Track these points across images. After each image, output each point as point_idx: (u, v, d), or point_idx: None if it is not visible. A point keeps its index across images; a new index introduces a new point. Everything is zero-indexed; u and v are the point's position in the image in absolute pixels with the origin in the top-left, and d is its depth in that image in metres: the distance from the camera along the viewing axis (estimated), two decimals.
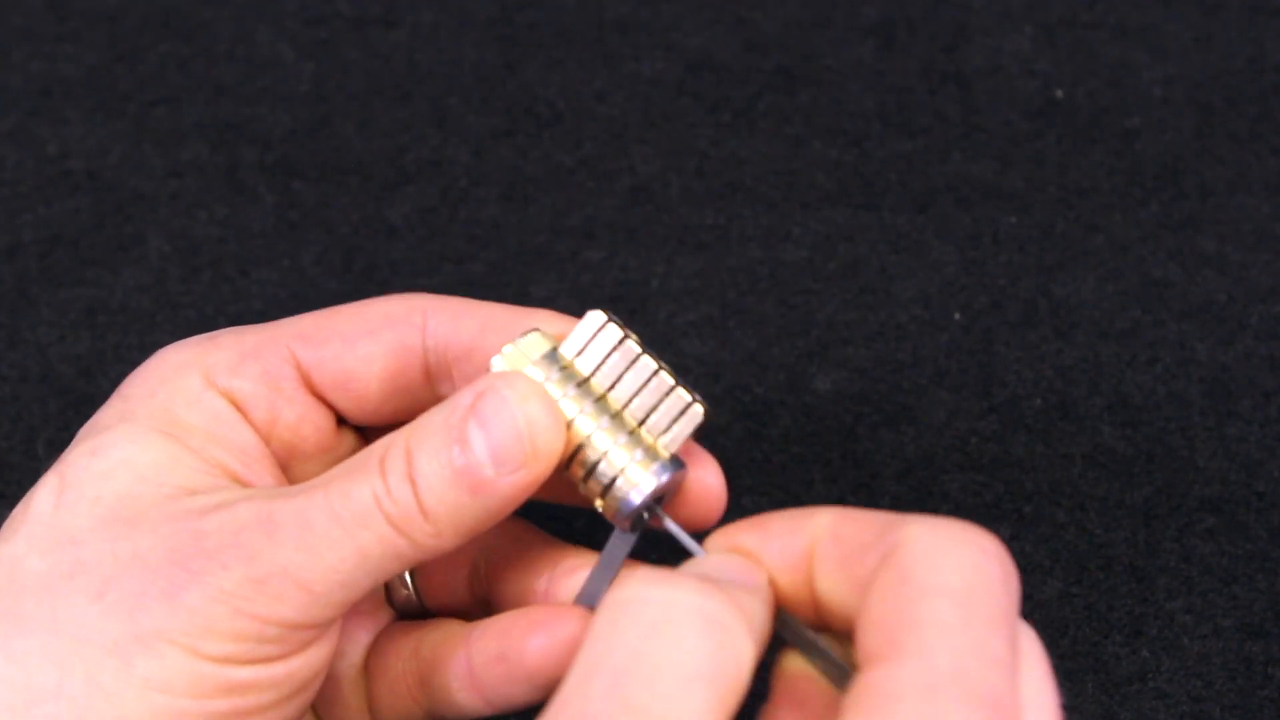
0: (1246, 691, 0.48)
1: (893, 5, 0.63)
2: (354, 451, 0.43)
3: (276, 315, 0.43)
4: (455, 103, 0.60)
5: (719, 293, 0.56)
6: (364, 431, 0.44)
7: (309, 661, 0.38)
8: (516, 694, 0.40)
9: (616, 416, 0.39)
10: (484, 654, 0.40)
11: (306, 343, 0.41)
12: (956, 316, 0.55)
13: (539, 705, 0.40)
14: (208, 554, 0.36)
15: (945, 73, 0.61)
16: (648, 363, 0.39)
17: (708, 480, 0.40)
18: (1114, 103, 0.60)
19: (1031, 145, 0.59)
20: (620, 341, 0.40)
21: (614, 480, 0.39)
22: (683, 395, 0.39)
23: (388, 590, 0.44)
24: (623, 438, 0.39)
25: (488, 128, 0.60)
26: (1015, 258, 0.57)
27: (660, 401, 0.39)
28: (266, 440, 0.41)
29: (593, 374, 0.39)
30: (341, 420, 0.43)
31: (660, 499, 0.39)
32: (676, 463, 0.39)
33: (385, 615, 0.44)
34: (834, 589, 0.35)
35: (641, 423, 0.39)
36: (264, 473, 0.41)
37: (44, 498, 0.38)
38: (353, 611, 0.41)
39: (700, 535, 0.39)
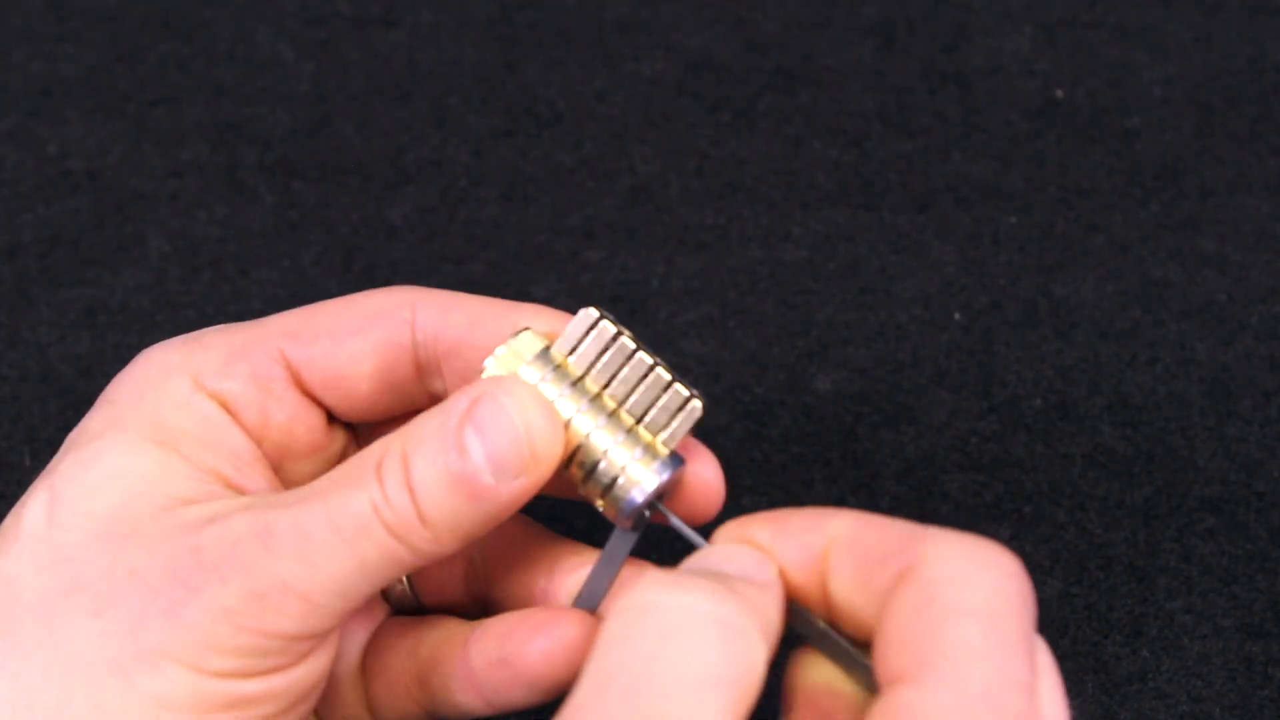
0: (1246, 691, 0.48)
1: (893, 5, 0.63)
2: (345, 449, 0.43)
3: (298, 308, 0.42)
4: (455, 103, 0.60)
5: (719, 293, 0.56)
6: (354, 428, 0.43)
7: (311, 670, 0.38)
8: (517, 696, 0.40)
9: (614, 414, 0.39)
10: (484, 656, 0.40)
11: (295, 341, 0.41)
12: (956, 316, 0.55)
13: (540, 705, 0.40)
14: (206, 569, 0.36)
15: (945, 73, 0.61)
16: (643, 358, 0.39)
17: (706, 474, 0.40)
18: (1114, 103, 0.60)
19: (1031, 145, 0.59)
20: (614, 338, 0.39)
21: (615, 479, 0.39)
22: (680, 390, 0.39)
23: None
24: (621, 436, 0.39)
25: (488, 128, 0.60)
26: (1015, 258, 0.57)
27: (658, 397, 0.39)
28: (258, 442, 0.41)
29: (587, 372, 0.39)
30: (331, 418, 0.42)
31: (661, 495, 0.39)
32: (676, 459, 0.39)
33: (381, 612, 0.44)
34: (849, 593, 0.35)
35: (639, 420, 0.39)
36: (257, 476, 0.40)
37: (35, 512, 0.38)
38: None
39: (700, 529, 0.39)
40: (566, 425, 0.39)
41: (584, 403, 0.39)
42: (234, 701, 0.36)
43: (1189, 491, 0.52)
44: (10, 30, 0.62)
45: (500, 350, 0.39)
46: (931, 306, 0.55)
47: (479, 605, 0.43)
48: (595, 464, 0.39)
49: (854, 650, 0.36)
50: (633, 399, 0.39)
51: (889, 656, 0.33)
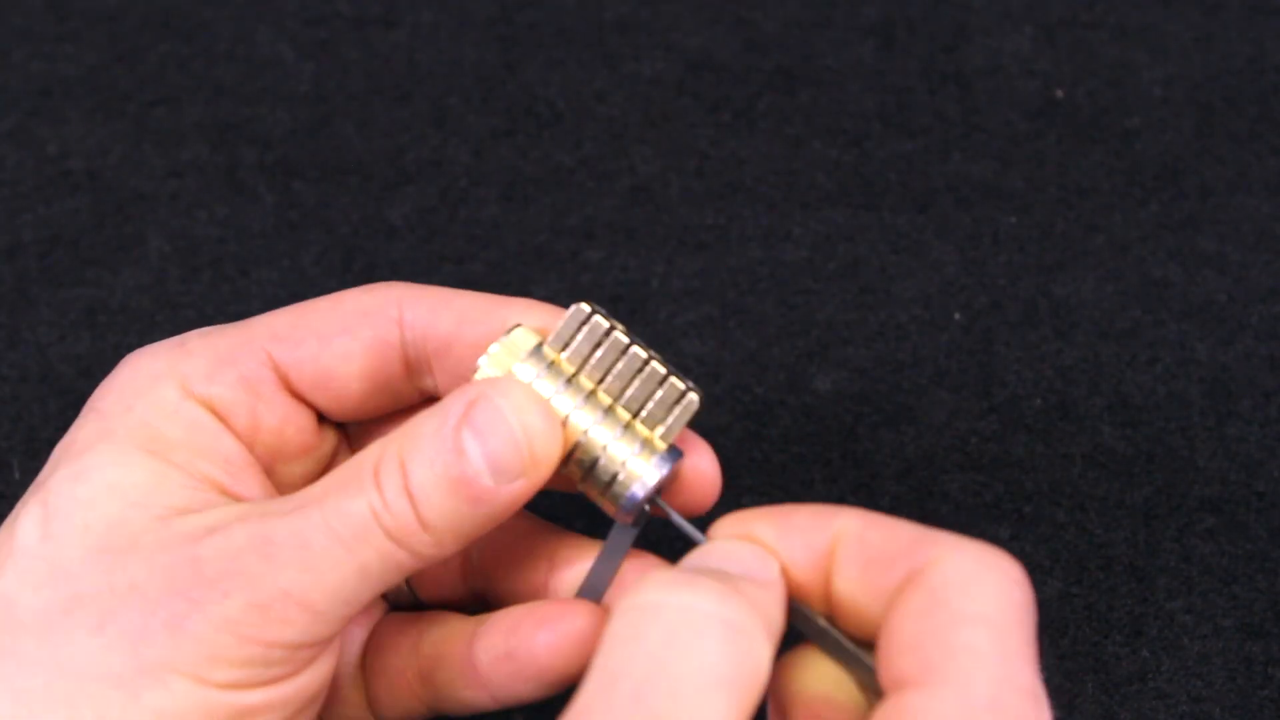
0: (1246, 691, 0.48)
1: (893, 5, 0.63)
2: (336, 449, 0.43)
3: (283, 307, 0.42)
4: (455, 103, 0.60)
5: (719, 293, 0.56)
6: (344, 428, 0.43)
7: (315, 676, 0.38)
8: (524, 690, 0.40)
9: (610, 410, 0.39)
10: (490, 651, 0.40)
11: (282, 343, 0.40)
12: (956, 316, 0.55)
13: (546, 699, 0.40)
14: (208, 582, 0.36)
15: (945, 73, 0.61)
16: (638, 352, 0.39)
17: (702, 466, 0.40)
18: (1114, 103, 0.60)
19: (1031, 145, 0.59)
20: (608, 333, 0.39)
21: (614, 475, 0.39)
22: (676, 383, 0.39)
23: None
24: (618, 431, 0.39)
25: (488, 128, 0.60)
26: (1015, 258, 0.57)
27: (653, 391, 0.39)
28: (250, 446, 0.40)
29: (581, 368, 0.39)
30: (321, 418, 0.42)
31: (660, 489, 0.39)
32: (675, 452, 0.39)
33: (379, 608, 0.43)
34: (854, 592, 0.36)
35: (636, 414, 0.39)
36: (251, 481, 0.40)
37: (28, 528, 0.37)
38: None
39: (698, 520, 0.39)
40: (563, 423, 0.38)
41: (579, 399, 0.39)
42: (239, 712, 0.36)
43: (1189, 491, 0.52)
44: (10, 30, 0.62)
45: (493, 348, 0.39)
46: (931, 306, 0.55)
47: (476, 600, 0.43)
48: (594, 460, 0.39)
49: (856, 649, 0.36)
50: (628, 393, 0.39)
51: (895, 659, 0.33)
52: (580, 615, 0.39)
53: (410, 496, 0.36)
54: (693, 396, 0.39)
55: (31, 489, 0.39)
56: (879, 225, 0.57)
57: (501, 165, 0.59)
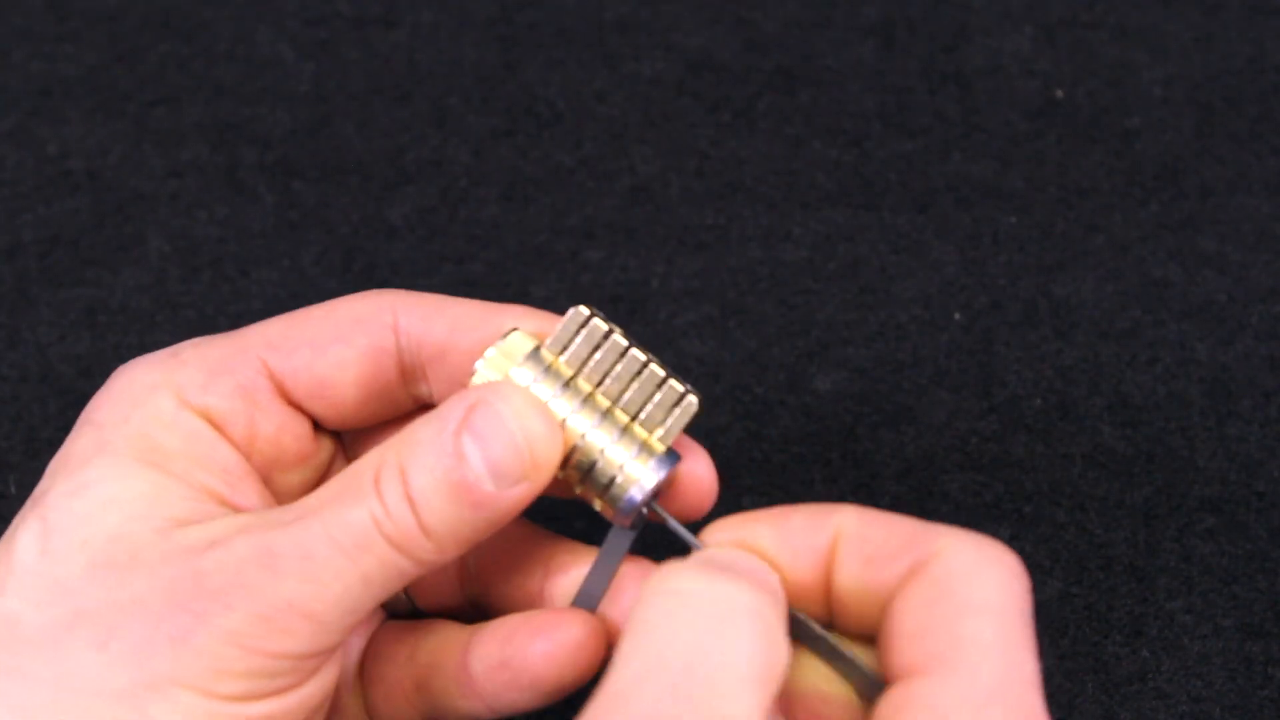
0: (1246, 691, 0.48)
1: (893, 5, 0.63)
2: (333, 457, 0.43)
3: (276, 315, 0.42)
4: (455, 103, 0.60)
5: (719, 293, 0.56)
6: (341, 436, 0.43)
7: (320, 686, 0.38)
8: (519, 699, 0.40)
9: (609, 413, 0.39)
10: (485, 660, 0.40)
11: (277, 352, 0.40)
12: (956, 316, 0.55)
13: (541, 708, 0.40)
14: (211, 595, 0.36)
15: (945, 73, 0.61)
16: (636, 355, 0.39)
17: (698, 471, 0.40)
18: (1114, 103, 0.60)
19: (1031, 145, 0.59)
20: (606, 336, 0.39)
21: (612, 479, 0.38)
22: (675, 386, 0.39)
23: None
24: (617, 434, 0.38)
25: (488, 128, 0.60)
26: (1015, 258, 0.57)
27: (652, 394, 0.39)
28: (247, 456, 0.40)
29: (579, 371, 0.39)
30: (317, 426, 0.42)
31: (658, 493, 0.39)
32: (673, 455, 0.39)
33: (377, 616, 0.43)
34: (856, 588, 0.36)
35: (634, 417, 0.39)
36: (249, 491, 0.40)
37: (27, 544, 0.37)
38: None
39: (693, 525, 0.39)
40: (561, 426, 0.38)
41: (577, 403, 0.39)
42: None
43: (1189, 491, 0.52)
44: (10, 30, 0.62)
45: (490, 352, 0.39)
46: (931, 306, 0.55)
47: (474, 607, 0.43)
48: (592, 464, 0.38)
49: (851, 654, 0.36)
50: (626, 396, 0.39)
51: (900, 649, 0.34)
52: (575, 625, 0.39)
53: (411, 503, 0.36)
54: (692, 399, 0.39)
55: (29, 504, 0.38)
56: (879, 225, 0.57)
57: (501, 165, 0.59)
